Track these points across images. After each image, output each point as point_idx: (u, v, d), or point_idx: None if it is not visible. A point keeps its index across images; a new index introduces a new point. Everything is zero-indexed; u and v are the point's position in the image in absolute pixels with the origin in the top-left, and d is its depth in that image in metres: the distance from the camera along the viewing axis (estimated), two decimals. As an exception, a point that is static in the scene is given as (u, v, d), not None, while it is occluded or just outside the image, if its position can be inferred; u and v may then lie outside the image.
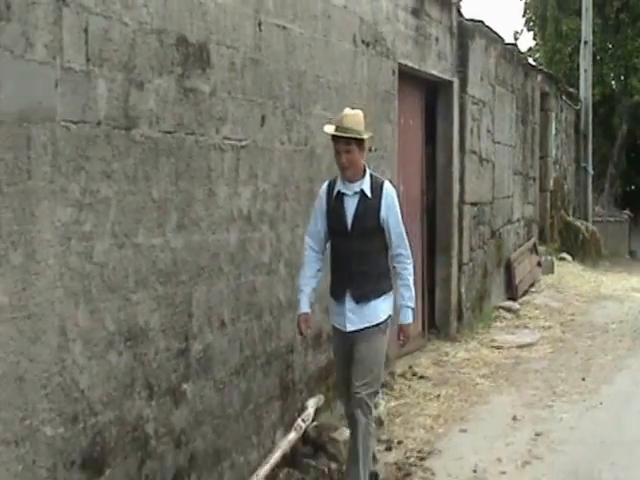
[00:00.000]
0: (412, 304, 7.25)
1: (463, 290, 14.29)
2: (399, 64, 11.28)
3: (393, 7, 11.03)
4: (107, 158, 5.82)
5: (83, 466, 5.69)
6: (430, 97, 13.65)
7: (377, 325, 7.18)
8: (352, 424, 7.15)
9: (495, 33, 15.95)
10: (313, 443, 8.32)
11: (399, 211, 7.25)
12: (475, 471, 8.18)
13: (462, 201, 14.23)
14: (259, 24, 7.70)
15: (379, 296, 7.20)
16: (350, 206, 7.15)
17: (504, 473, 8.14)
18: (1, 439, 5.04)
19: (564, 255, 23.60)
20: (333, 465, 8.01)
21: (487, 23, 15.14)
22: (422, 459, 8.45)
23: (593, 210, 28.86)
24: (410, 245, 7.44)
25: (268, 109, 7.90)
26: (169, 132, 6.48)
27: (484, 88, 15.44)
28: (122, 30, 5.97)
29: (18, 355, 5.14)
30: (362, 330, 7.13)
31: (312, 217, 7.50)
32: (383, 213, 7.13)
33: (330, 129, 7.10)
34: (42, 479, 5.36)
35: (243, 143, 7.51)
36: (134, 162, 6.11)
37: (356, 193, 7.15)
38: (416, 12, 11.95)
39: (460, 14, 14.14)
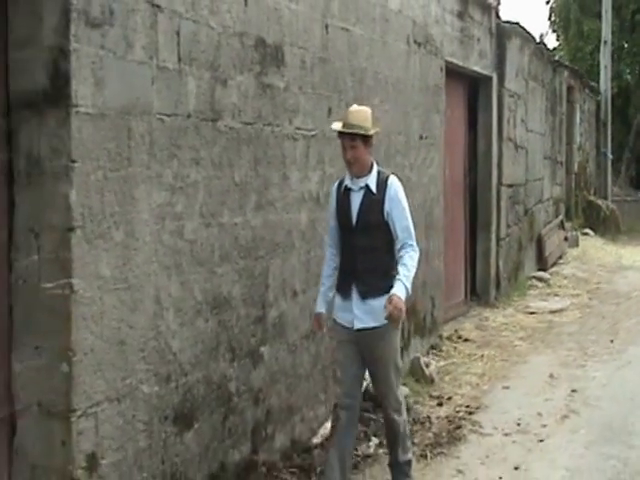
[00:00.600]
0: (407, 282, 5.99)
1: (501, 262, 14.13)
2: (446, 62, 11.10)
3: (441, 11, 10.86)
4: (196, 147, 5.77)
5: (175, 420, 5.65)
6: (472, 91, 13.48)
7: (388, 323, 6.06)
8: (389, 425, 6.44)
9: (528, 34, 15.74)
10: (372, 399, 8.19)
11: (405, 205, 6.24)
12: (519, 424, 8.04)
13: (500, 183, 14.07)
14: (326, 27, 7.58)
15: (386, 292, 5.99)
16: (355, 201, 6.24)
17: (545, 426, 7.99)
18: (105, 396, 5.00)
19: (587, 230, 23.27)
20: (391, 418, 7.89)
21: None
22: (470, 413, 8.32)
23: (612, 190, 28.44)
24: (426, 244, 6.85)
25: (334, 102, 7.79)
26: (249, 123, 6.41)
27: (519, 83, 15.22)
28: (209, 33, 5.88)
29: (119, 322, 5.10)
30: (373, 329, 6.12)
31: (327, 215, 6.71)
32: (387, 206, 6.16)
33: (337, 125, 6.26)
34: (140, 432, 5.32)
35: (312, 133, 7.40)
36: (219, 150, 6.05)
37: (361, 188, 6.23)
38: (461, 15, 11.77)
39: (498, 17, 13.93)
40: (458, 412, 8.36)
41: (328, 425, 7.39)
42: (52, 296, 4.74)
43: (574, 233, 21.34)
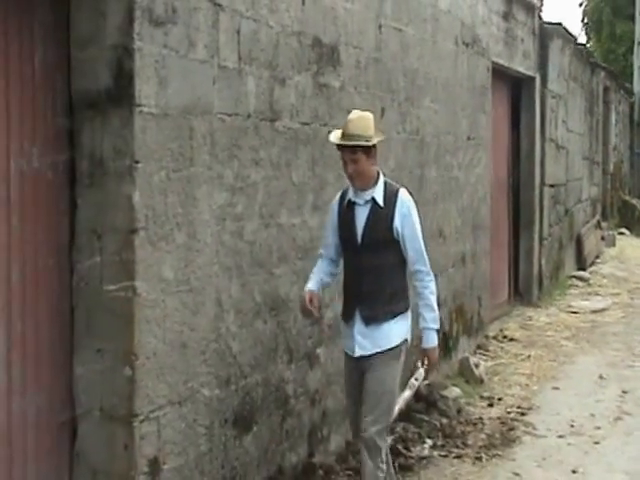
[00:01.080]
0: (436, 325, 5.52)
1: (543, 261, 13.87)
2: (492, 62, 10.84)
3: (488, 12, 10.62)
4: (255, 147, 5.58)
5: (235, 423, 5.48)
6: (515, 91, 13.22)
7: (389, 350, 5.42)
8: (361, 466, 5.50)
9: (570, 34, 15.44)
10: (425, 400, 8.00)
11: (417, 223, 5.51)
12: (572, 426, 7.78)
13: (543, 183, 13.81)
14: (379, 27, 7.38)
15: (392, 317, 5.44)
16: (361, 216, 5.46)
17: (599, 428, 7.74)
18: (167, 400, 4.82)
19: (623, 230, 22.98)
20: (444, 420, 7.69)
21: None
22: (522, 414, 8.08)
23: (645, 190, 28.16)
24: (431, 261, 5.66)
25: (387, 102, 7.59)
26: (306, 123, 6.22)
27: (560, 83, 14.95)
28: (268, 32, 5.69)
29: (181, 325, 4.93)
30: (372, 356, 5.41)
31: (324, 231, 5.84)
32: (397, 223, 5.40)
33: (335, 137, 5.47)
34: (201, 436, 5.14)
35: None
36: (278, 150, 5.87)
37: (367, 202, 5.45)
38: (506, 16, 11.52)
39: (540, 17, 13.66)
40: (509, 413, 8.13)
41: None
42: (114, 298, 4.57)
43: (610, 232, 21.04)
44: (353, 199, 5.51)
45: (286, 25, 5.90)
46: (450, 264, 9.37)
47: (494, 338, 11.00)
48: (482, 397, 8.58)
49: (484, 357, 10.15)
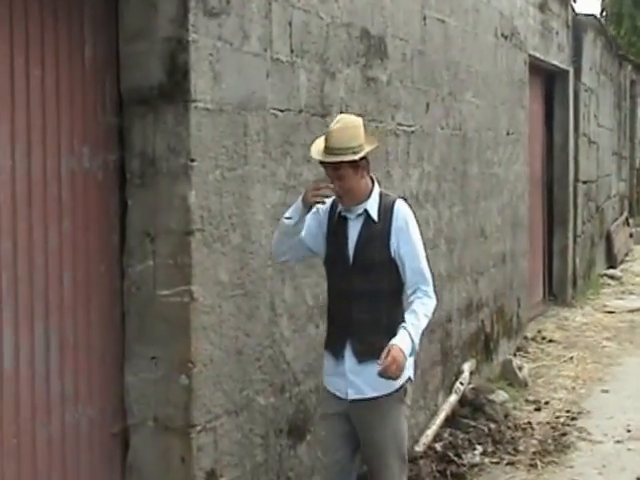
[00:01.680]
0: (413, 333, 4.40)
1: (577, 260, 13.68)
2: (529, 55, 10.64)
3: (524, 3, 10.44)
4: (307, 143, 5.32)
5: (289, 432, 5.33)
6: (548, 85, 13.02)
7: (393, 393, 4.58)
8: None
9: (602, 25, 15.25)
10: (471, 404, 7.83)
11: (418, 239, 4.66)
12: (629, 430, 7.55)
13: (576, 179, 13.64)
14: (424, 18, 7.21)
15: None
16: (352, 232, 4.63)
17: (657, 432, 7.53)
18: (224, 409, 4.66)
19: (651, 226, 22.73)
20: (492, 425, 7.51)
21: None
22: (573, 419, 7.88)
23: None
24: (434, 282, 4.76)
25: (431, 97, 7.42)
26: (356, 119, 6.03)
27: (592, 77, 14.76)
28: (318, 23, 5.52)
29: (237, 330, 4.77)
30: (370, 400, 4.56)
31: (302, 237, 4.72)
32: (393, 239, 4.57)
33: (317, 150, 4.57)
34: (257, 446, 4.99)
35: (413, 128, 7.03)
36: (329, 147, 5.65)
37: (359, 215, 4.62)
38: (542, 7, 11.33)
39: (573, 9, 13.47)
40: (559, 417, 7.93)
41: (429, 433, 7.05)
42: (169, 304, 4.41)
43: (639, 229, 20.81)
44: (343, 212, 4.66)
45: (335, 16, 5.73)
46: (491, 264, 9.22)
47: (533, 340, 10.83)
48: (528, 401, 8.41)
49: (524, 359, 9.95)
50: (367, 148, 4.54)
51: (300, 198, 4.54)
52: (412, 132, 7.02)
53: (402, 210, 4.65)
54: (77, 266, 4.30)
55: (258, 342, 4.96)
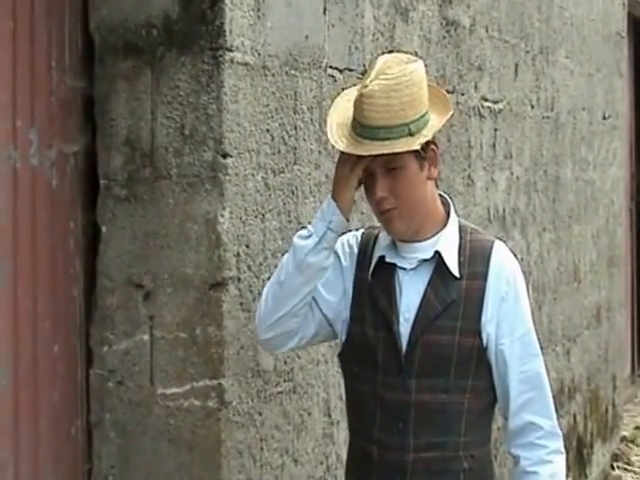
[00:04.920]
0: None
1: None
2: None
3: None
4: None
5: None
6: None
7: None
8: None
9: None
10: None
11: (530, 319, 3.79)
12: None
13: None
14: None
15: None
16: (409, 294, 3.70)
17: None
18: None
19: None
20: None
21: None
22: None
23: None
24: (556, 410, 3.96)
25: (520, 54, 7.43)
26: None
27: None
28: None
29: (282, 454, 4.40)
30: None
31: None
32: (490, 316, 3.66)
33: (340, 132, 3.59)
34: None
35: (499, 105, 6.96)
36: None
37: (424, 262, 3.68)
38: None
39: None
40: None
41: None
42: (180, 412, 4.02)
43: None
44: (390, 259, 3.74)
45: None
46: (584, 324, 8.99)
47: (632, 441, 10.79)
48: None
49: (627, 473, 9.87)
50: (437, 122, 3.58)
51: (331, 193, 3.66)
52: (499, 111, 6.91)
53: (507, 264, 3.75)
54: (5, 347, 3.83)
55: (309, 474, 4.55)
